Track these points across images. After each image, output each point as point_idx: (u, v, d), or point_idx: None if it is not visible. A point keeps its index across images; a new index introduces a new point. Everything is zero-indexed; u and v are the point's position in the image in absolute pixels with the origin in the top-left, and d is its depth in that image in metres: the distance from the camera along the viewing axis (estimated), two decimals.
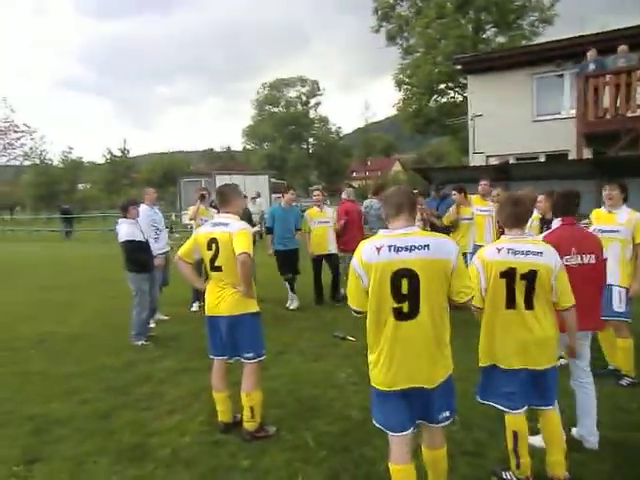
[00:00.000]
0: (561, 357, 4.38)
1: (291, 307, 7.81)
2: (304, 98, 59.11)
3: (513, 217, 3.03)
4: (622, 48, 12.04)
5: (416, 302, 2.45)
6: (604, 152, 12.94)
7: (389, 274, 2.44)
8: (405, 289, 2.43)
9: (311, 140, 60.64)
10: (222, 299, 3.66)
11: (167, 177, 47.44)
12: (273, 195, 27.28)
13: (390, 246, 2.46)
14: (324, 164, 57.99)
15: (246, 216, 8.02)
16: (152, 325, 6.69)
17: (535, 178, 10.57)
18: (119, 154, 50.93)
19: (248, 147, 61.66)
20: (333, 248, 7.98)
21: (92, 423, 4.07)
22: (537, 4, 28.13)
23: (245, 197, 8.86)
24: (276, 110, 58.34)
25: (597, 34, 14.61)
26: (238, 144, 68.00)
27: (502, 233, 6.35)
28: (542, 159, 15.91)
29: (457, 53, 23.58)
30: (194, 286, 4.32)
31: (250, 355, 3.71)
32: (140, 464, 3.45)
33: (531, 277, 2.88)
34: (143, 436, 3.83)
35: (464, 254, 7.21)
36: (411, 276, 2.43)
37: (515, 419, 2.98)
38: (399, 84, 31.31)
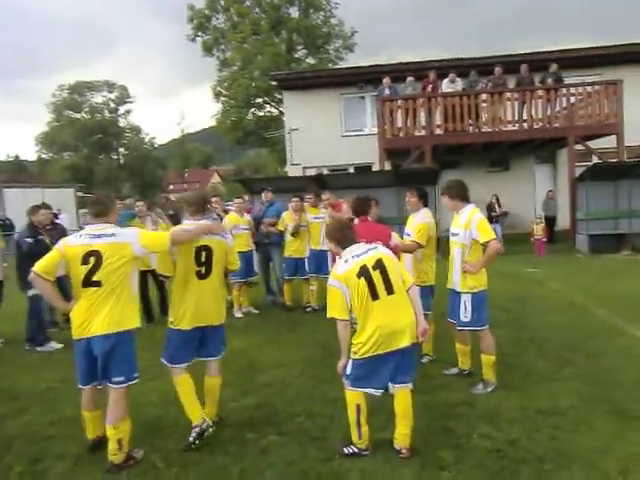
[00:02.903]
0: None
1: None
2: (112, 104, 55.83)
3: (344, 241, 3.54)
4: (410, 79, 14.84)
5: (209, 266, 3.76)
6: (400, 164, 15.52)
7: (194, 249, 3.72)
8: (204, 258, 3.75)
9: (122, 150, 57.51)
10: (95, 316, 3.33)
11: None
12: (80, 211, 24.84)
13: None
14: (137, 176, 55.36)
15: (61, 233, 7.28)
16: None
17: (347, 187, 12.22)
18: None
19: (44, 156, 55.55)
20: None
21: None
22: (340, 32, 31.83)
23: (49, 208, 7.57)
24: (78, 116, 53.98)
25: (391, 64, 17.52)
26: (29, 153, 60.42)
27: None
28: (351, 170, 18.20)
29: (272, 69, 25.22)
30: (57, 306, 3.86)
31: (121, 379, 3.38)
32: None
33: (381, 266, 3.36)
34: None
35: (301, 259, 8.05)
36: (208, 250, 3.76)
37: (358, 394, 3.36)
38: (217, 96, 32.14)
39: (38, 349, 6.47)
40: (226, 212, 8.60)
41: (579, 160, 14.59)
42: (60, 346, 6.46)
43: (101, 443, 3.54)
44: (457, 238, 4.42)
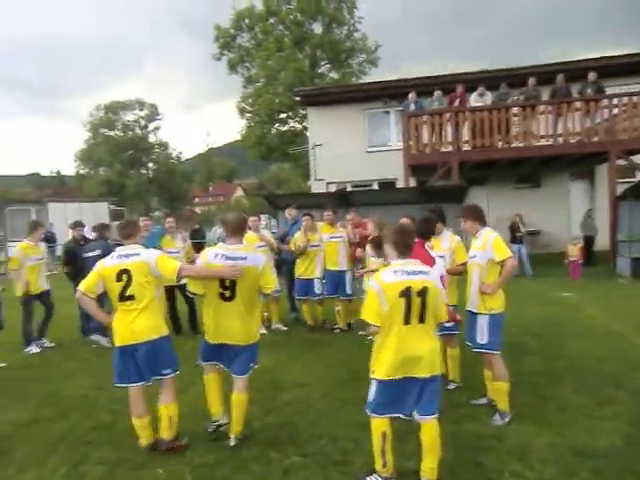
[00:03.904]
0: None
1: None
2: (142, 122, 56.75)
3: (402, 246, 3.36)
4: (437, 93, 14.07)
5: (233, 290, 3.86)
6: (425, 180, 14.80)
7: None
8: (228, 283, 3.86)
9: (151, 165, 58.29)
10: (135, 326, 3.83)
11: None
12: (113, 224, 25.89)
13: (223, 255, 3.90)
14: (165, 190, 56.07)
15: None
16: None
17: (371, 204, 11.69)
18: None
19: (82, 172, 56.96)
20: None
21: None
22: (364, 47, 31.45)
23: (83, 226, 8.19)
24: (112, 134, 55.10)
25: (416, 78, 16.79)
26: (68, 168, 62.25)
27: (355, 257, 6.93)
28: (375, 186, 17.58)
29: (296, 85, 25.04)
30: (99, 319, 4.16)
31: (168, 371, 3.97)
32: None
33: (424, 294, 3.24)
34: None
35: (310, 280, 7.67)
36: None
37: (383, 421, 3.28)
38: (241, 112, 32.08)
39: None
40: None
41: (620, 176, 13.51)
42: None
43: (157, 447, 3.93)
44: (475, 260, 4.41)
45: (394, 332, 3.24)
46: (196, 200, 66.79)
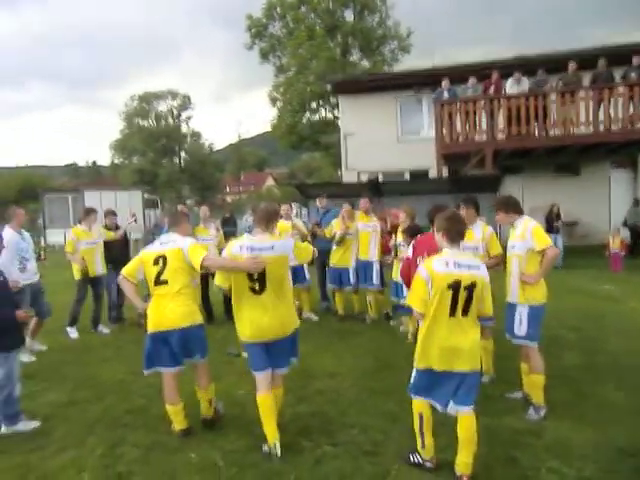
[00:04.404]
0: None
1: None
2: (175, 112, 57.45)
3: (454, 233, 3.32)
4: (471, 80, 13.68)
5: (263, 282, 3.68)
6: (458, 170, 14.49)
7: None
8: (256, 275, 3.67)
9: (183, 155, 59.07)
10: (169, 312, 3.91)
11: (24, 193, 42.84)
12: (146, 211, 26.14)
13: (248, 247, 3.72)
14: (196, 179, 56.75)
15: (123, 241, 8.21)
16: (27, 359, 5.98)
17: (402, 193, 11.56)
18: None
19: (116, 162, 58.18)
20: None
21: None
22: (396, 34, 30.86)
23: (115, 215, 8.22)
24: (146, 124, 55.96)
25: (449, 66, 16.35)
26: (103, 157, 63.75)
27: (387, 248, 6.80)
28: (407, 176, 17.33)
29: (327, 73, 24.85)
30: (136, 304, 4.18)
31: (199, 357, 4.09)
32: None
33: (471, 289, 3.21)
34: None
35: (345, 269, 7.60)
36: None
37: (422, 403, 3.36)
38: (273, 101, 32.03)
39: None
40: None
41: None
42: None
43: (190, 432, 4.02)
44: (514, 250, 4.30)
45: (437, 323, 3.24)
46: (227, 189, 67.37)
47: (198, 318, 4.06)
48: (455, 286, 3.18)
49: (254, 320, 3.68)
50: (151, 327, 3.96)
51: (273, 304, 3.72)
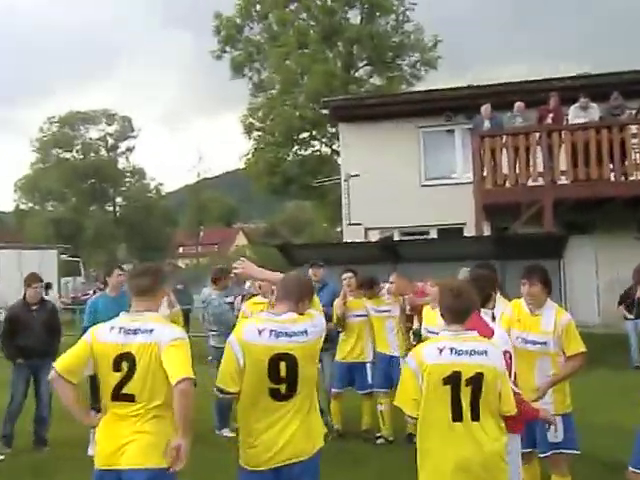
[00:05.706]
0: None
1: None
2: (111, 141, 58.53)
3: (453, 310, 3.48)
4: (519, 105, 14.21)
5: (294, 383, 3.49)
6: (505, 227, 14.72)
7: (266, 358, 3.43)
8: (284, 372, 3.47)
9: (119, 200, 59.63)
10: (129, 443, 3.36)
11: None
12: (62, 280, 26.19)
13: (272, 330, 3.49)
14: (137, 234, 56.95)
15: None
16: None
17: (427, 259, 11.64)
18: None
19: (23, 207, 58.43)
20: None
21: None
22: (417, 42, 31.90)
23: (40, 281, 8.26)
24: (68, 155, 56.80)
25: (490, 86, 17.08)
26: (4, 201, 64.11)
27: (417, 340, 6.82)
28: (434, 234, 17.54)
29: (324, 94, 25.20)
30: (79, 418, 3.69)
31: None
32: None
33: (477, 383, 3.28)
34: None
35: (359, 365, 7.54)
36: (290, 360, 3.49)
37: None
38: (248, 129, 32.69)
39: None
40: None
41: None
42: None
43: None
44: (541, 347, 4.59)
45: (437, 431, 3.32)
46: (181, 250, 67.59)
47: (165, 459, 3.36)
48: (453, 380, 3.26)
49: (274, 437, 3.46)
50: (98, 462, 3.46)
51: (302, 416, 3.56)
